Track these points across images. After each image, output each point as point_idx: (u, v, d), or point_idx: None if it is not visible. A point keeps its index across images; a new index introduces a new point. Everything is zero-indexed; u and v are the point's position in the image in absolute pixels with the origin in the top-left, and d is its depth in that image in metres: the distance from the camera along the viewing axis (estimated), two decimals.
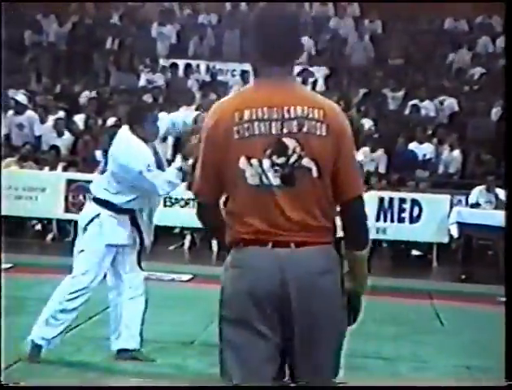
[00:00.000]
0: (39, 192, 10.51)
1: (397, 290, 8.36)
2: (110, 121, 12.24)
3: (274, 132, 2.44)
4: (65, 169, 11.18)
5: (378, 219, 10.36)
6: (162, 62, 13.82)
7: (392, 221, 10.37)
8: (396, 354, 5.65)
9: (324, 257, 2.47)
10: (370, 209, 10.31)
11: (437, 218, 10.24)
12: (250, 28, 2.53)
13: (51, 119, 12.06)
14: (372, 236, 10.12)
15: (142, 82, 13.62)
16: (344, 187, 2.49)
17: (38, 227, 10.91)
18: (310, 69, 13.60)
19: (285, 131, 2.44)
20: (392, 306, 7.64)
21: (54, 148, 11.46)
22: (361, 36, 14.47)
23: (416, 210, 10.34)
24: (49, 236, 10.68)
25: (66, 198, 10.51)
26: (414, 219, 10.35)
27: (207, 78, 13.72)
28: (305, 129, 2.44)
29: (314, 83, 13.34)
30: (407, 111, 12.83)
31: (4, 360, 4.33)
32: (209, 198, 2.53)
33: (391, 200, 10.38)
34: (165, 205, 10.40)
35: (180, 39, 14.64)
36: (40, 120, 12.04)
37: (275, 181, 2.43)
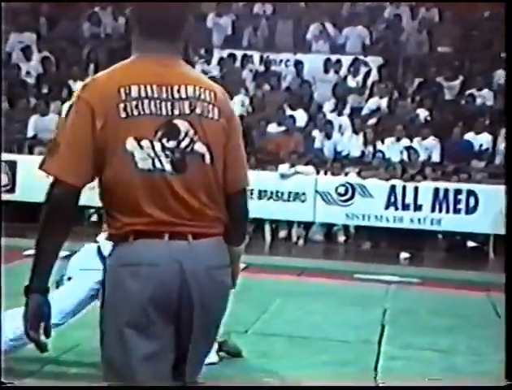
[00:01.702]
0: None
1: (453, 282, 8.26)
2: None
3: (164, 112, 2.20)
4: None
5: (433, 210, 10.25)
6: (217, 52, 13.86)
7: (447, 212, 10.24)
8: (451, 347, 5.59)
9: (220, 250, 2.30)
10: (425, 199, 10.23)
11: (494, 209, 10.07)
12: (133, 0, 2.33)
13: None
14: (427, 227, 10.26)
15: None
16: (230, 178, 2.30)
17: (94, 218, 11.06)
18: (365, 59, 13.51)
19: (176, 112, 2.21)
20: (447, 298, 7.55)
21: None
22: (417, 24, 14.27)
23: (472, 201, 10.19)
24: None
25: None
26: (470, 210, 10.20)
27: (261, 68, 13.72)
28: (198, 111, 2.23)
29: (368, 73, 13.23)
30: (464, 101, 12.61)
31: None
32: (75, 183, 2.17)
33: (446, 191, 10.25)
34: None
35: (234, 30, 14.66)
36: None
37: (167, 167, 2.20)
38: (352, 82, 13.15)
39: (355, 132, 11.71)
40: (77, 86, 12.80)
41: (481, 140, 11.54)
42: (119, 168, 2.18)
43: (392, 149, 11.28)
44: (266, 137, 11.93)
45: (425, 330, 5.95)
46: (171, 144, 2.21)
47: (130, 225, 2.20)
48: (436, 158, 11.38)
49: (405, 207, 10.31)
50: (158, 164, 2.20)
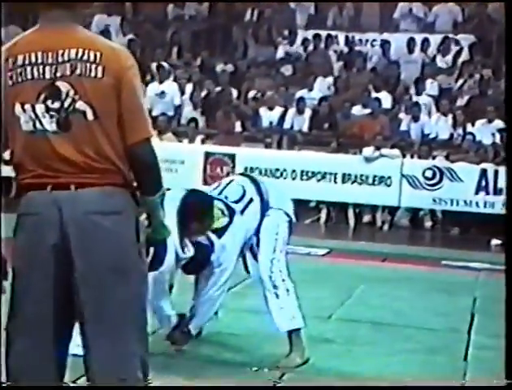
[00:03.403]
0: (178, 165, 10.70)
1: None
2: (251, 93, 12.27)
3: (48, 76, 2.41)
4: (203, 142, 11.34)
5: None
6: (301, 33, 13.66)
7: None
8: None
9: (109, 197, 2.41)
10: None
11: None
12: None
13: (188, 92, 12.24)
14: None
15: (280, 54, 13.54)
16: (127, 130, 2.43)
17: None
18: (455, 37, 13.03)
19: (59, 74, 2.41)
20: None
21: (193, 120, 11.62)
22: None
23: None
24: None
25: (204, 171, 10.67)
26: None
27: (345, 49, 13.44)
28: (78, 72, 2.41)
29: (459, 52, 12.76)
30: None
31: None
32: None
33: None
34: (301, 179, 10.35)
35: (318, 10, 14.42)
36: (180, 92, 12.23)
37: (51, 127, 2.40)
38: (441, 62, 12.72)
39: (444, 113, 11.33)
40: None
41: None
42: (11, 131, 2.44)
43: (484, 131, 10.84)
44: (351, 120, 11.67)
45: (499, 317, 5.64)
46: (56, 105, 2.41)
47: (22, 180, 2.45)
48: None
49: (498, 192, 9.90)
50: (38, 125, 2.41)
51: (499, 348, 4.89)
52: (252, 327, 4.98)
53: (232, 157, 10.62)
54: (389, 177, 10.26)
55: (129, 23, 13.97)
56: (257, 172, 10.44)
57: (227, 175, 10.61)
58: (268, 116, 11.77)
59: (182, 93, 12.23)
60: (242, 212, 4.43)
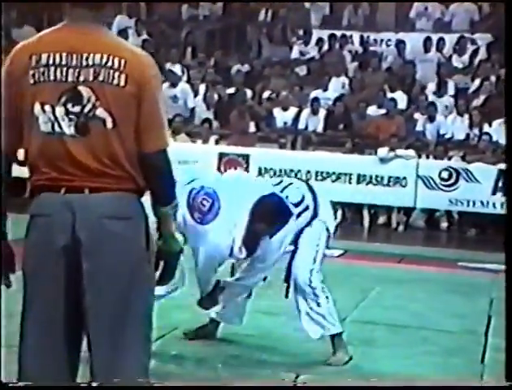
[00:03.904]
0: (192, 165, 10.66)
1: None
2: (265, 94, 12.22)
3: (70, 79, 2.38)
4: (217, 142, 11.30)
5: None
6: (316, 33, 13.59)
7: None
8: None
9: (121, 202, 2.40)
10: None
11: None
12: None
13: (202, 92, 12.20)
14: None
15: (295, 54, 13.48)
16: (144, 139, 2.41)
17: None
18: (472, 36, 12.91)
19: (81, 79, 2.38)
20: None
21: (207, 121, 11.58)
22: None
23: None
24: None
25: (218, 171, 10.63)
26: None
27: (360, 49, 13.36)
28: (100, 78, 2.37)
29: (476, 51, 12.64)
30: None
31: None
32: (6, 147, 2.43)
33: None
34: (316, 180, 10.29)
35: (332, 10, 14.34)
36: (193, 93, 12.20)
37: (69, 130, 2.38)
38: (457, 61, 12.60)
39: (460, 113, 11.22)
40: (176, 69, 12.91)
41: None
42: (28, 131, 2.41)
43: (501, 131, 10.72)
44: (366, 120, 11.59)
45: None
46: (76, 109, 2.38)
47: (36, 181, 2.43)
48: None
49: None
50: (57, 128, 2.38)
51: None
52: (267, 327, 4.94)
53: (246, 157, 10.57)
54: (405, 178, 10.18)
55: (143, 24, 13.96)
56: (271, 173, 10.40)
57: None
58: (282, 116, 11.72)
59: (196, 93, 12.21)
60: (297, 217, 4.41)
